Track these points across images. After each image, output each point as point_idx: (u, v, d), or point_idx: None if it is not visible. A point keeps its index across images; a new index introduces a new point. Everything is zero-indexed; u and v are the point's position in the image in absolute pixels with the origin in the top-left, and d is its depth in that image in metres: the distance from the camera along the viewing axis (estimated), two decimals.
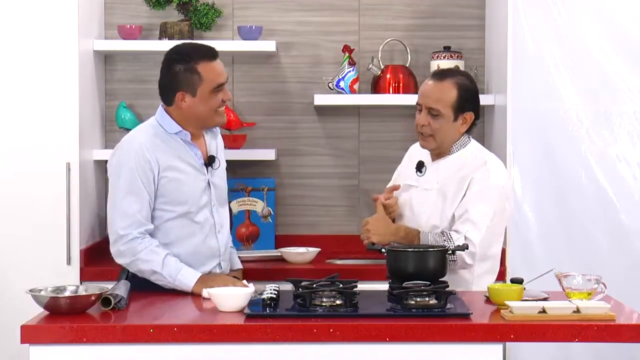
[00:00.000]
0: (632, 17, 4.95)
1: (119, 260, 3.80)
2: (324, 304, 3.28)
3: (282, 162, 5.20)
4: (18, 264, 4.50)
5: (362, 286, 3.43)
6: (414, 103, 3.96)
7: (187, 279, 3.73)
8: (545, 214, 4.97)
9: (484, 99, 4.79)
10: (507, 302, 3.29)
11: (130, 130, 4.73)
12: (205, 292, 3.56)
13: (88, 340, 3.11)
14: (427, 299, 3.29)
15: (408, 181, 4.00)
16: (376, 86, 5.04)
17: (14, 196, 4.51)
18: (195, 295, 3.69)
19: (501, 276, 4.46)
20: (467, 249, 3.68)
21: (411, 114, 3.96)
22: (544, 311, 3.22)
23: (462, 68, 4.91)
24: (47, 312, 3.28)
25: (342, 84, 4.99)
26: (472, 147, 3.94)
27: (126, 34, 4.97)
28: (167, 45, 4.25)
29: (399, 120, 5.17)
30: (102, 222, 4.99)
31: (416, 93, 4.04)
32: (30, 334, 3.12)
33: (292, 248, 4.90)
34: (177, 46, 3.92)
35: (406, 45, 5.13)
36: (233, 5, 5.18)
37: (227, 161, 4.10)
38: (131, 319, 3.29)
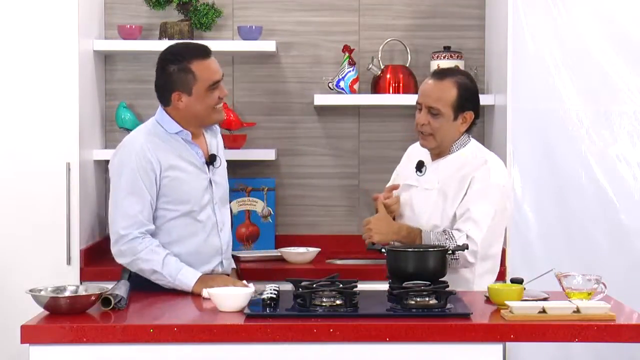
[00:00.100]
0: (632, 17, 4.95)
1: (119, 260, 3.80)
2: (324, 304, 3.28)
3: (282, 162, 5.20)
4: (18, 264, 4.50)
5: (362, 286, 3.43)
6: (414, 103, 3.96)
7: (187, 278, 3.74)
8: (545, 214, 4.97)
9: (484, 99, 4.78)
10: (507, 302, 3.29)
11: (130, 130, 4.75)
12: (205, 292, 3.57)
13: (88, 340, 3.11)
14: (427, 299, 3.29)
15: (408, 181, 4.00)
16: (376, 86, 5.04)
17: (14, 196, 4.51)
18: (195, 295, 3.69)
19: (501, 276, 4.46)
20: (467, 248, 3.68)
21: (411, 114, 3.96)
22: (544, 311, 3.22)
23: (462, 68, 4.91)
24: (47, 312, 3.28)
25: (342, 84, 4.99)
26: (472, 147, 3.94)
27: (126, 34, 4.97)
28: (167, 45, 4.24)
29: (399, 120, 5.17)
30: (102, 222, 5.00)
31: (416, 93, 4.04)
32: (30, 334, 3.12)
33: (292, 248, 4.90)
34: (170, 47, 3.92)
35: (406, 45, 5.13)
36: (233, 5, 5.18)
37: (227, 161, 4.10)
38: (131, 319, 3.29)
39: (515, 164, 4.87)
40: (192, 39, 4.88)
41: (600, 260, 4.84)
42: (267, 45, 4.96)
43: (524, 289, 3.46)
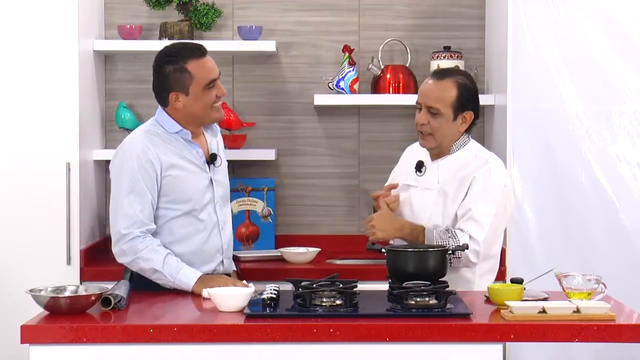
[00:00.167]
0: (632, 17, 4.95)
1: (120, 260, 3.80)
2: (324, 304, 3.28)
3: (282, 162, 5.20)
4: (18, 264, 4.50)
5: (362, 286, 3.43)
6: (414, 103, 3.96)
7: (187, 278, 3.74)
8: (545, 214, 4.97)
9: (484, 99, 4.79)
10: (507, 302, 3.29)
11: (130, 130, 4.75)
12: (205, 292, 3.57)
13: (88, 340, 3.11)
14: (427, 299, 3.29)
15: (407, 181, 4.00)
16: (376, 86, 5.04)
17: (14, 196, 4.51)
18: (195, 295, 3.69)
19: (501, 276, 4.47)
20: (467, 248, 3.68)
21: (411, 114, 3.97)
22: (544, 311, 3.22)
23: (462, 68, 4.91)
24: (47, 312, 3.28)
25: (342, 84, 4.99)
26: (472, 147, 3.95)
27: (126, 34, 4.97)
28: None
29: (399, 120, 5.17)
30: (102, 222, 5.00)
31: (416, 93, 4.03)
32: (30, 334, 3.12)
33: (292, 248, 4.90)
34: (165, 47, 3.93)
35: (406, 45, 5.13)
36: (233, 5, 5.18)
37: (227, 161, 4.10)
38: (131, 319, 3.29)
39: (515, 164, 4.87)
40: (192, 39, 4.87)
41: (600, 260, 4.84)
42: (267, 45, 4.96)
43: (524, 289, 3.46)
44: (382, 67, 5.05)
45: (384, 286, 3.60)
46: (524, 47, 4.93)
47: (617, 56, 4.96)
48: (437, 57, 5.01)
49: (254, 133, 5.16)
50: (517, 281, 3.51)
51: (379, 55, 5.08)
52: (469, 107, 3.89)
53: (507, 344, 4.07)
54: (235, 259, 4.24)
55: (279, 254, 4.86)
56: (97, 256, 4.76)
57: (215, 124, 4.07)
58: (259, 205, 5.11)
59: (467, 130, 3.93)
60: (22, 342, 3.13)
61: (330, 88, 5.02)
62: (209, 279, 3.75)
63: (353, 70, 4.99)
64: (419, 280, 3.45)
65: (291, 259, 4.79)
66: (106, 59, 5.16)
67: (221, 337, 3.13)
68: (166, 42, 4.76)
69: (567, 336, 3.16)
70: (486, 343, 3.14)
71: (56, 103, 4.52)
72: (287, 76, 5.20)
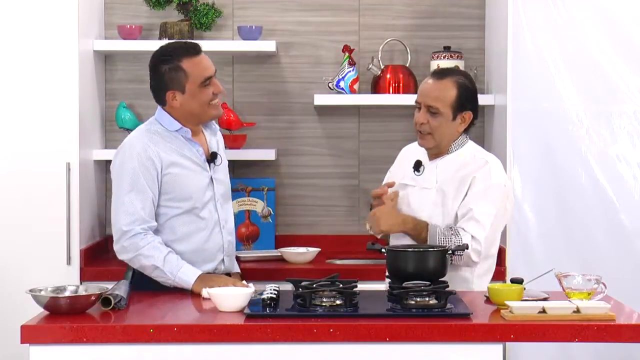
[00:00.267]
0: (632, 17, 4.95)
1: (122, 256, 3.81)
2: (324, 304, 3.28)
3: (282, 162, 5.20)
4: (18, 264, 4.50)
5: (362, 286, 3.43)
6: (414, 103, 3.97)
7: (187, 276, 3.75)
8: (545, 214, 4.97)
9: (484, 99, 4.79)
10: (507, 302, 3.29)
11: (130, 130, 4.75)
12: (205, 292, 3.57)
13: (88, 340, 3.11)
14: (427, 299, 3.29)
15: (404, 181, 3.99)
16: (376, 86, 5.04)
17: (14, 196, 4.51)
18: (195, 295, 3.69)
19: (501, 276, 4.47)
20: (467, 249, 3.68)
21: (411, 114, 3.96)
22: (544, 311, 3.21)
23: (462, 68, 4.91)
24: (47, 312, 3.28)
25: (342, 84, 4.99)
26: (470, 147, 3.95)
27: (126, 34, 4.97)
28: None
29: (399, 120, 5.17)
30: (102, 222, 5.00)
31: (416, 93, 4.03)
32: (30, 334, 3.12)
33: (292, 248, 4.90)
34: (160, 47, 3.96)
35: (406, 45, 5.13)
36: (233, 5, 5.18)
37: (227, 161, 4.10)
38: (131, 319, 3.29)
39: (515, 164, 4.87)
40: (192, 39, 4.87)
41: (600, 260, 4.84)
42: (267, 45, 4.96)
43: (524, 289, 3.46)
44: (382, 67, 5.05)
45: (384, 286, 3.60)
46: (524, 47, 4.93)
47: (617, 56, 4.96)
48: (437, 57, 5.01)
49: (254, 133, 5.16)
50: (517, 281, 3.50)
51: (379, 55, 5.08)
52: (468, 107, 3.89)
53: (507, 344, 4.07)
54: (236, 259, 4.24)
55: (279, 254, 4.86)
56: (97, 256, 4.76)
57: (214, 123, 4.08)
58: (259, 205, 5.11)
59: (466, 131, 3.94)
60: (22, 342, 3.13)
61: (330, 88, 5.02)
62: (209, 278, 3.76)
63: (353, 70, 4.99)
64: (419, 280, 3.45)
65: (291, 259, 4.79)
66: (106, 59, 5.16)
67: (221, 337, 3.13)
68: (166, 42, 4.78)
69: (567, 336, 3.16)
70: (486, 343, 3.14)
71: (56, 103, 4.52)
72: (287, 76, 5.20)
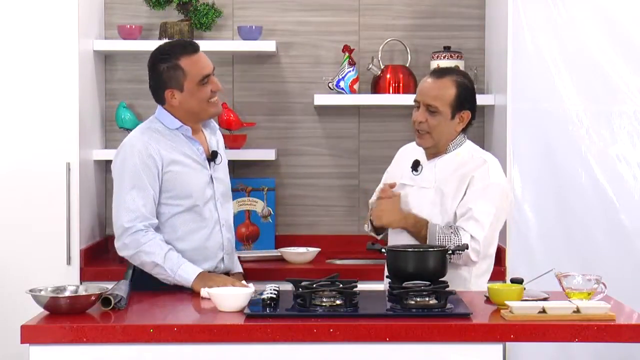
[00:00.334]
0: (632, 17, 4.95)
1: (122, 253, 3.82)
2: (324, 304, 3.28)
3: (282, 162, 5.20)
4: (18, 264, 4.50)
5: (362, 286, 3.43)
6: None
7: (187, 274, 3.76)
8: (545, 214, 4.97)
9: (484, 99, 4.80)
10: (507, 302, 3.29)
11: (130, 130, 4.75)
12: (204, 292, 3.57)
13: (88, 340, 3.11)
14: (427, 299, 3.29)
15: (402, 180, 4.00)
16: (376, 86, 5.04)
17: (14, 196, 4.51)
18: (195, 295, 3.69)
19: (501, 276, 4.47)
20: (467, 249, 3.68)
21: (411, 113, 3.96)
22: (544, 311, 3.21)
23: (462, 68, 4.91)
24: (47, 312, 3.28)
25: (342, 84, 4.99)
26: (468, 147, 3.95)
27: (126, 34, 4.97)
28: None
29: (399, 120, 5.17)
30: (102, 222, 5.00)
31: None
32: (30, 334, 3.12)
33: (292, 248, 4.90)
34: (158, 46, 3.98)
35: (406, 45, 5.13)
36: (233, 5, 5.18)
37: (227, 161, 4.11)
38: (131, 319, 3.29)
39: (515, 164, 4.87)
40: (192, 39, 4.87)
41: (600, 260, 4.84)
42: (267, 45, 4.96)
43: (524, 289, 3.46)
44: (382, 67, 5.05)
45: (383, 286, 3.60)
46: (524, 47, 4.92)
47: (617, 56, 4.96)
48: (437, 57, 5.01)
49: (254, 133, 5.16)
50: (517, 281, 3.50)
51: (379, 55, 5.08)
52: (467, 106, 3.90)
53: (507, 344, 4.07)
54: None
55: (279, 254, 4.86)
56: (97, 256, 4.76)
57: (214, 122, 4.08)
58: (259, 205, 5.11)
59: (464, 130, 3.94)
60: (22, 342, 3.13)
61: (330, 88, 5.02)
62: (208, 277, 3.76)
63: (353, 70, 4.99)
64: (418, 280, 3.45)
65: (291, 259, 4.79)
66: (106, 59, 5.16)
67: (221, 337, 3.13)
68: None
69: (567, 336, 3.16)
70: (486, 343, 3.14)
71: (56, 103, 4.52)
72: (287, 76, 5.20)
